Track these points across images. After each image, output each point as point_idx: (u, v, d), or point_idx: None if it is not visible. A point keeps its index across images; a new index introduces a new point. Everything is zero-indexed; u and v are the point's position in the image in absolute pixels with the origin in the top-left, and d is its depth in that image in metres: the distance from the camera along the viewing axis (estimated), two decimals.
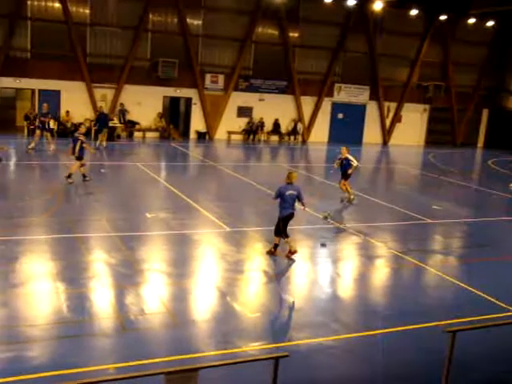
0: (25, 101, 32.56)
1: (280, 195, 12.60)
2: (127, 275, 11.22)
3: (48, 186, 19.09)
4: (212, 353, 8.41)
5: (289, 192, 12.60)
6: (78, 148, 18.94)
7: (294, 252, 12.71)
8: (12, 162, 23.76)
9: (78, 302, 9.86)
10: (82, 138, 19.13)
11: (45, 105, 26.88)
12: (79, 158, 19.24)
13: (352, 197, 19.23)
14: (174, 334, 9.01)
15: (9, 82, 30.03)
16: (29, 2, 29.69)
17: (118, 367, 7.70)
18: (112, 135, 29.89)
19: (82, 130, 19.86)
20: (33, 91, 31.15)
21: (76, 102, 31.00)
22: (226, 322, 9.51)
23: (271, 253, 12.89)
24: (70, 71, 30.49)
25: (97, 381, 4.90)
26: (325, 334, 9.27)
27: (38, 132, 26.16)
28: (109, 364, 7.84)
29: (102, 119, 28.15)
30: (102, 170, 22.18)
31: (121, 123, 31.60)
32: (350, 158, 19.10)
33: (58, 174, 21.55)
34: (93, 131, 28.94)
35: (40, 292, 10.27)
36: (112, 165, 22.88)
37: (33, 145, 25.36)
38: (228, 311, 9.97)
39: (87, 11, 31.04)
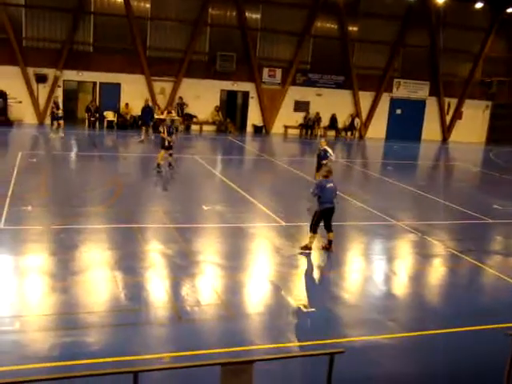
0: (86, 93, 33.41)
1: (321, 189, 12.39)
2: (183, 266, 11.35)
3: (109, 177, 19.53)
4: (266, 346, 8.40)
5: (329, 185, 12.45)
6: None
7: (308, 248, 12.52)
8: (75, 153, 24.45)
9: (135, 291, 10.04)
10: (161, 128, 20.37)
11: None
12: (167, 148, 20.10)
13: None
14: (228, 326, 9.05)
15: (72, 75, 30.84)
16: None
17: (174, 356, 7.79)
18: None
19: (168, 121, 21.89)
20: (94, 84, 31.91)
21: (135, 95, 31.55)
22: (280, 316, 9.48)
23: (326, 248, 12.80)
24: (130, 64, 31.06)
25: (153, 369, 4.95)
26: (380, 332, 9.12)
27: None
28: (164, 353, 7.94)
29: (146, 112, 28.59)
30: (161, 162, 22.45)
31: (179, 116, 31.97)
32: (329, 150, 18.90)
33: (115, 166, 22.04)
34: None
35: (98, 280, 10.50)
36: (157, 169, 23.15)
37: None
38: (282, 305, 9.94)
39: (148, 5, 31.52)
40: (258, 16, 33.57)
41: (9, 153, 23.20)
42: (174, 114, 31.04)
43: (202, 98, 32.66)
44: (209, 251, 12.54)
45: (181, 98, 32.43)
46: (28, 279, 10.39)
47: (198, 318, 9.21)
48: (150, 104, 29.96)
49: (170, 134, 20.12)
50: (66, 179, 18.69)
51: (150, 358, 7.80)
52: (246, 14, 32.97)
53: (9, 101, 29.37)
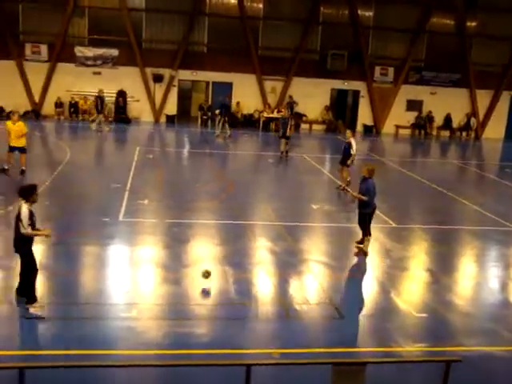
0: (199, 92, 34.39)
1: (373, 190, 11.99)
2: (291, 264, 11.38)
3: (220, 174, 20.00)
4: (375, 349, 8.24)
5: (374, 185, 12.09)
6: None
7: (365, 252, 12.10)
8: (188, 149, 25.27)
9: (244, 286, 10.19)
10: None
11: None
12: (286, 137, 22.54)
13: (343, 184, 17.49)
14: (336, 326, 8.96)
15: (186, 75, 31.88)
16: None
17: (282, 353, 7.82)
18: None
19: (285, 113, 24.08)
20: (207, 83, 32.80)
21: (246, 94, 32.07)
22: (390, 319, 9.26)
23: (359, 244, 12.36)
24: (241, 64, 31.60)
25: (265, 363, 4.99)
26: (496, 343, 8.65)
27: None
28: (273, 349, 7.99)
29: (224, 108, 29.09)
30: (270, 160, 22.72)
31: (288, 115, 32.08)
32: (353, 143, 17.41)
33: (226, 163, 22.52)
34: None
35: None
36: (279, 155, 23.31)
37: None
38: (392, 308, 9.70)
39: (260, 6, 31.92)
40: (371, 13, 32.96)
41: (127, 149, 24.37)
42: (284, 112, 31.19)
43: (312, 96, 32.58)
44: (317, 250, 12.49)
45: (291, 96, 32.55)
46: (143, 270, 10.85)
47: (305, 316, 9.20)
48: (227, 100, 30.26)
49: (284, 124, 22.53)
50: (179, 175, 19.35)
51: (259, 352, 7.89)
52: (359, 11, 32.50)
53: (128, 99, 30.91)
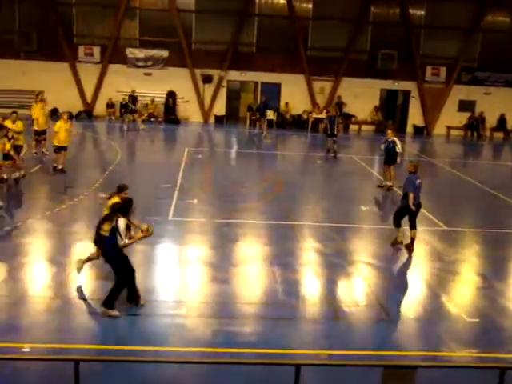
0: (248, 93, 34.52)
1: (413, 186, 11.94)
2: (340, 265, 11.30)
3: (268, 174, 20.04)
4: (424, 353, 8.09)
5: (418, 181, 12.09)
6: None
7: (399, 243, 12.31)
8: (236, 150, 25.42)
9: (292, 287, 10.18)
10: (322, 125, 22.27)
11: None
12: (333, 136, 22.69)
13: (390, 184, 17.55)
14: (385, 329, 8.85)
15: (235, 75, 32.06)
16: (257, 0, 31.35)
17: (330, 354, 7.78)
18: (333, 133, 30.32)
19: (332, 112, 24.21)
20: (256, 84, 32.90)
21: (295, 95, 32.01)
22: (441, 323, 9.08)
23: (408, 247, 12.20)
24: (290, 64, 31.55)
25: (314, 363, 4.97)
26: None
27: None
28: (320, 349, 7.95)
29: (262, 107, 28.96)
30: (319, 161, 22.63)
31: (337, 116, 31.86)
32: (397, 142, 17.54)
33: (274, 163, 22.53)
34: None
35: (256, 273, 10.80)
36: (329, 156, 23.19)
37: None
38: (443, 312, 9.51)
39: (310, 5, 31.82)
40: (422, 12, 32.39)
41: (177, 149, 24.69)
42: (332, 113, 30.98)
43: (361, 97, 32.26)
44: (366, 251, 12.36)
45: (339, 97, 32.34)
46: (192, 268, 10.97)
47: (354, 317, 9.12)
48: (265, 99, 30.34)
49: (331, 123, 22.60)
50: (228, 175, 19.48)
51: (307, 353, 7.86)
52: (410, 10, 32.00)
53: (177, 100, 31.31)
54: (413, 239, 12.16)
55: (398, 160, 17.61)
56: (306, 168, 22.07)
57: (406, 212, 12.15)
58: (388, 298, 10.00)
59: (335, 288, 10.26)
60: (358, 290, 10.30)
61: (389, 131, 18.32)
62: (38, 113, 19.53)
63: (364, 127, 33.01)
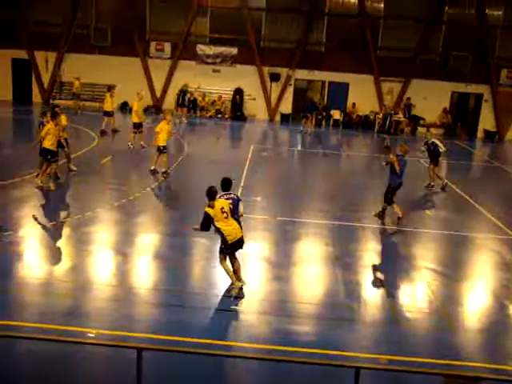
0: (315, 92, 34.34)
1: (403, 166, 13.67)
2: (402, 269, 11.12)
3: (332, 174, 19.90)
4: (488, 365, 7.82)
5: (404, 160, 13.85)
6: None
7: (400, 217, 13.68)
8: (301, 149, 25.37)
9: (353, 288, 10.10)
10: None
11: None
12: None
13: (439, 182, 18.01)
14: (446, 337, 8.63)
15: (303, 74, 31.96)
16: None
17: (389, 359, 7.67)
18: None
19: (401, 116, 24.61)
20: (323, 83, 32.68)
21: (362, 95, 31.59)
22: (507, 335, 8.80)
23: (379, 216, 13.92)
24: (359, 64, 31.15)
25: (374, 368, 4.92)
26: None
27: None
28: (379, 354, 7.86)
29: (309, 106, 28.77)
30: (384, 163, 22.22)
31: (405, 118, 31.31)
32: (438, 142, 17.95)
33: (339, 163, 22.35)
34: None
35: (318, 273, 10.78)
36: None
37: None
38: (510, 324, 9.20)
39: (382, 5, 31.32)
40: (500, 12, 31.31)
41: (242, 146, 24.87)
42: (400, 115, 30.48)
43: (431, 99, 31.50)
44: (430, 257, 12.11)
45: (408, 98, 31.70)
46: (253, 265, 11.04)
47: (415, 323, 8.96)
48: (315, 99, 30.24)
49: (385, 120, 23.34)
50: (292, 173, 19.48)
51: (365, 356, 7.79)
52: (487, 11, 30.98)
53: (244, 97, 31.51)
54: (384, 209, 13.97)
55: (441, 158, 18.22)
56: (372, 169, 21.75)
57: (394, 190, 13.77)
58: (452, 305, 9.76)
59: (397, 292, 10.11)
60: (420, 295, 10.10)
61: (427, 133, 19.32)
62: (137, 106, 20.67)
63: (432, 130, 32.02)
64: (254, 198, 15.23)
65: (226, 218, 9.35)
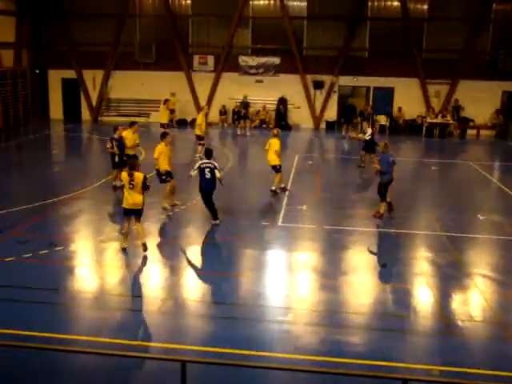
0: (359, 98, 33.99)
1: (387, 164, 13.99)
2: (454, 277, 10.78)
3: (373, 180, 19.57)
4: None
5: (391, 159, 14.12)
6: None
7: (381, 215, 14.13)
8: (346, 156, 25.12)
9: (403, 297, 9.86)
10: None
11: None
12: None
13: None
14: (502, 348, 8.29)
15: (347, 81, 31.69)
16: (369, 3, 30.83)
17: (442, 370, 7.42)
18: (443, 132, 29.26)
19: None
20: (367, 89, 32.32)
21: (408, 99, 31.06)
22: None
23: (379, 215, 14.10)
24: (404, 68, 30.64)
25: (423, 379, 4.74)
26: None
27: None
28: (430, 364, 7.61)
29: (347, 110, 28.45)
30: (433, 168, 21.81)
31: (454, 120, 30.61)
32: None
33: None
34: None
35: (366, 282, 10.58)
36: (442, 162, 22.34)
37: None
38: None
39: (425, 6, 30.80)
40: None
41: (287, 155, 24.75)
42: (448, 117, 29.82)
43: (480, 100, 30.70)
44: (484, 264, 11.69)
45: (456, 100, 30.99)
46: (300, 275, 10.94)
47: (468, 333, 8.66)
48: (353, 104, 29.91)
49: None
50: (337, 181, 19.27)
51: (416, 367, 7.56)
52: None
53: (288, 106, 31.46)
54: (390, 203, 14.49)
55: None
56: (420, 174, 21.31)
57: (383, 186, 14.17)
58: (507, 314, 9.39)
59: (449, 301, 9.79)
60: (473, 303, 9.76)
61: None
62: (201, 119, 21.19)
63: (483, 132, 31.36)
64: (300, 207, 15.12)
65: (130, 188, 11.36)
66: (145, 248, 11.52)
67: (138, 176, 11.34)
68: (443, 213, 15.12)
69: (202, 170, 13.24)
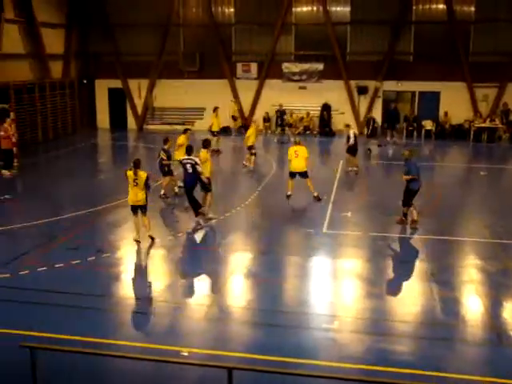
0: (404, 103, 33.53)
1: (416, 170, 13.75)
2: (505, 285, 10.50)
3: (425, 187, 19.23)
4: None
5: (418, 165, 13.99)
6: None
7: (415, 221, 13.81)
8: (388, 162, 24.82)
9: (452, 306, 9.65)
10: None
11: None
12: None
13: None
14: None
15: (391, 85, 31.31)
16: (414, 7, 30.44)
17: (493, 381, 7.22)
18: (492, 136, 28.51)
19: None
20: (413, 93, 31.86)
21: (455, 103, 30.46)
22: None
23: (401, 222, 13.92)
24: (450, 71, 30.12)
25: None
26: None
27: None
28: (481, 376, 7.41)
29: (390, 115, 28.17)
30: (482, 173, 21.31)
31: (502, 124, 29.87)
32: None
33: (433, 175, 21.58)
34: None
35: (413, 290, 10.40)
36: (491, 167, 21.81)
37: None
38: None
39: (472, 8, 30.19)
40: None
41: (331, 161, 24.66)
42: (497, 121, 29.13)
43: None
44: None
45: (505, 104, 30.23)
46: (345, 282, 10.83)
47: None
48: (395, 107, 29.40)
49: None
50: (381, 187, 19.00)
51: (465, 378, 7.37)
52: None
53: (332, 112, 31.28)
54: (406, 214, 13.98)
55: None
56: (468, 180, 20.87)
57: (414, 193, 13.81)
58: None
59: (500, 310, 9.53)
60: None
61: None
62: (251, 131, 21.57)
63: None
64: (344, 214, 14.99)
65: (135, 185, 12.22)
66: (151, 240, 12.55)
67: (142, 175, 12.26)
68: (493, 219, 14.74)
69: (183, 166, 14.04)
